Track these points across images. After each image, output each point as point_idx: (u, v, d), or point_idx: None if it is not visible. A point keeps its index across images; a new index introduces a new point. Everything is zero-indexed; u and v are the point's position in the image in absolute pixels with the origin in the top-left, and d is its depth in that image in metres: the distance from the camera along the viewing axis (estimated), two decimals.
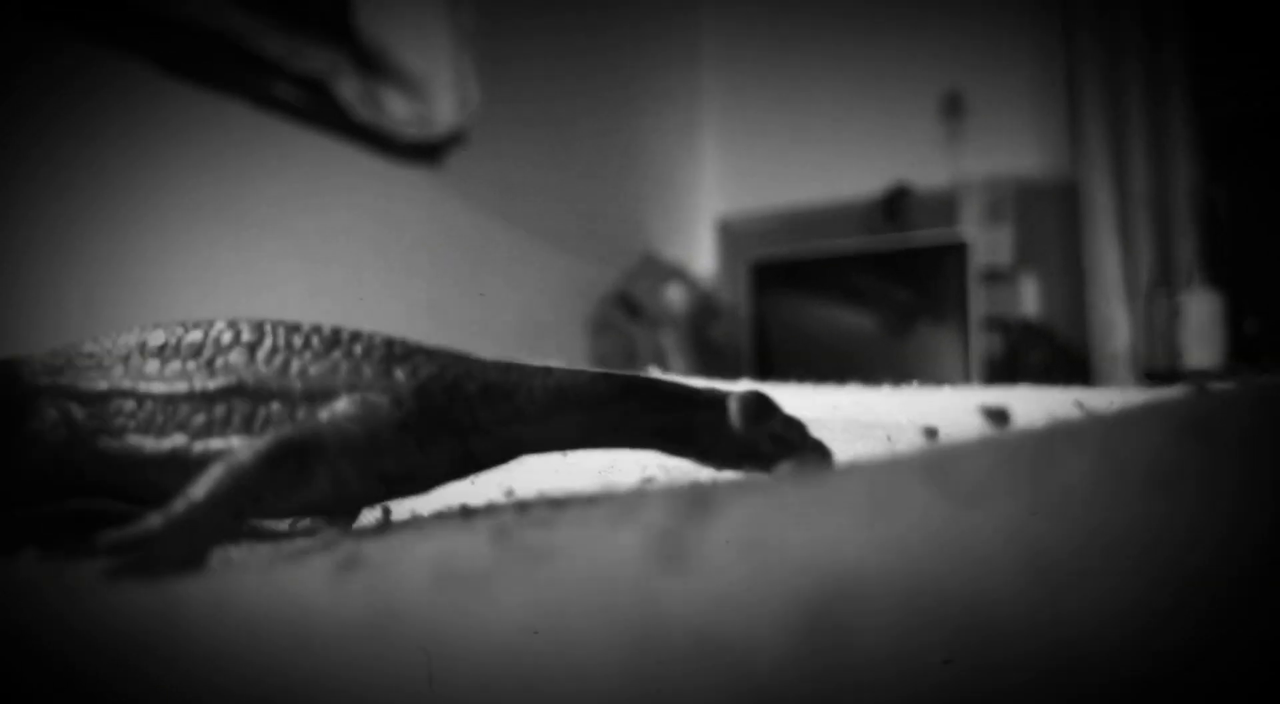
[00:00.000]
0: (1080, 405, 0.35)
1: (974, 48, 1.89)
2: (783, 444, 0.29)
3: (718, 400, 0.28)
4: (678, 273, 1.88)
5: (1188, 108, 1.75)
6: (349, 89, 1.32)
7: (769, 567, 0.13)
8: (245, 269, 1.18)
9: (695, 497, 0.16)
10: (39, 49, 1.00)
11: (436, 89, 1.44)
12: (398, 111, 1.39)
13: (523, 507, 0.23)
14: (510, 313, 1.59)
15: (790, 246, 1.93)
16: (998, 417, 0.26)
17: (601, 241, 1.84)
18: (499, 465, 0.28)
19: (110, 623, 0.15)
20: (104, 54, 1.07)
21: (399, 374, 0.26)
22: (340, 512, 0.29)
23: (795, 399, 0.61)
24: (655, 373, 0.93)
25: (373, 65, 1.37)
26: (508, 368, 0.28)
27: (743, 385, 0.30)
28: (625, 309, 1.82)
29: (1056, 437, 0.16)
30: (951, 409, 0.50)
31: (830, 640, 0.12)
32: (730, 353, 1.86)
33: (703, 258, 2.11)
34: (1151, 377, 1.58)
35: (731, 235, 2.11)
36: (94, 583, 0.18)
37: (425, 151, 1.47)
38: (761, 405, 0.28)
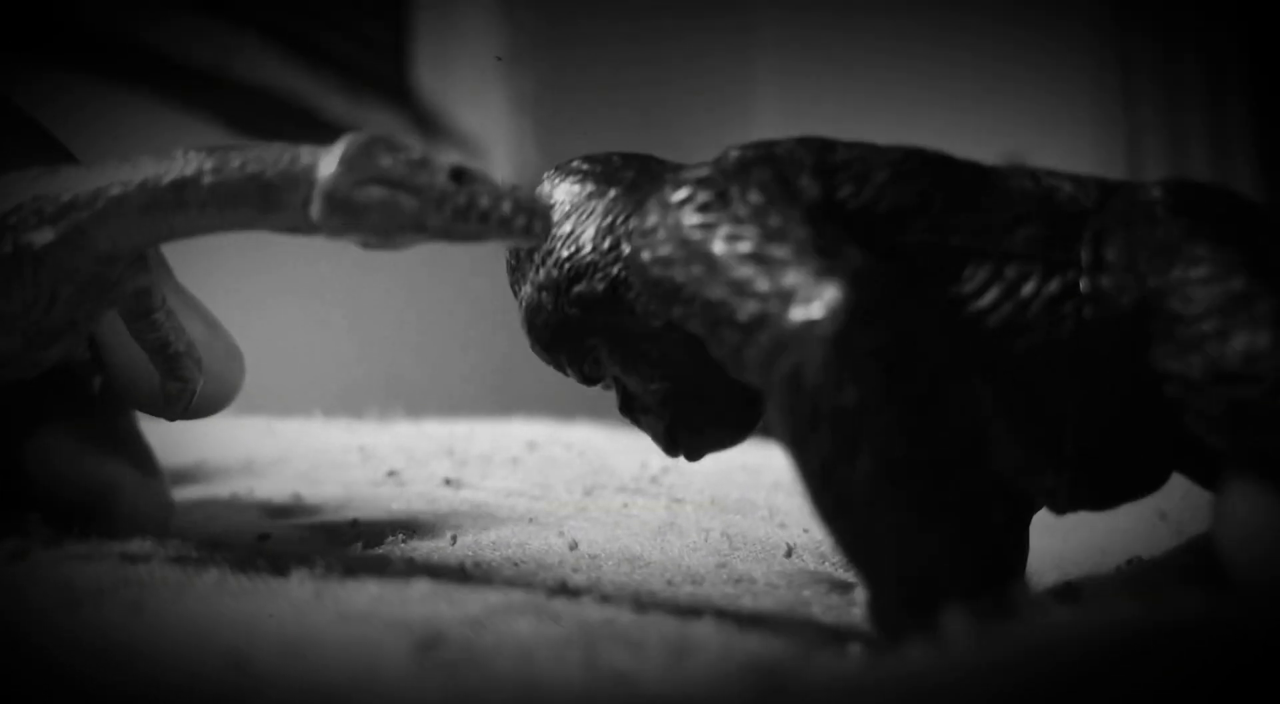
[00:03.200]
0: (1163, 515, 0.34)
1: (1033, 109, 1.88)
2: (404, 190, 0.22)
3: (304, 155, 0.23)
4: None
5: (1255, 162, 1.72)
6: None
7: None
8: (303, 327, 1.19)
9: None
10: (105, 105, 1.03)
11: (494, 152, 1.46)
12: None
13: (605, 597, 0.22)
14: (557, 377, 1.59)
15: None
16: (1067, 595, 0.24)
17: None
18: (94, 286, 0.25)
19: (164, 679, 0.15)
20: (171, 113, 1.09)
21: None
22: None
23: None
24: None
25: (431, 128, 1.39)
26: (89, 168, 0.25)
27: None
28: None
29: None
30: None
31: None
32: None
33: None
34: None
35: None
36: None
37: None
38: (371, 149, 0.22)
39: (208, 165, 0.23)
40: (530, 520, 0.33)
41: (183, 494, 0.39)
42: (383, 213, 0.22)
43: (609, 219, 0.28)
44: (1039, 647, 0.13)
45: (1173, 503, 0.35)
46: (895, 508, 0.20)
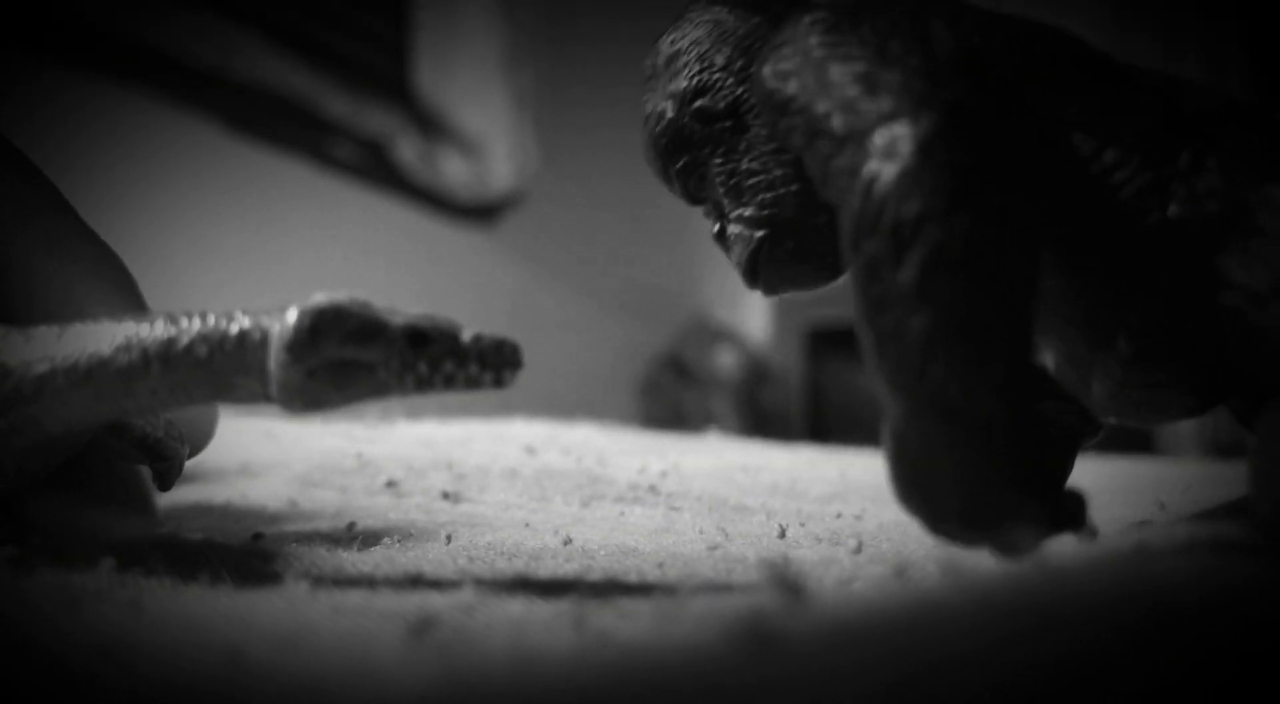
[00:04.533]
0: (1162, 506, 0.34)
1: None
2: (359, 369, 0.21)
3: (251, 338, 0.22)
4: (728, 336, 1.87)
5: None
6: (408, 150, 1.34)
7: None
8: None
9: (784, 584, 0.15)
10: (104, 104, 1.03)
11: (494, 151, 1.46)
12: (455, 173, 1.41)
13: (597, 580, 0.22)
14: (560, 373, 1.59)
15: (845, 312, 1.91)
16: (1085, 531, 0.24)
17: (652, 303, 1.84)
18: (47, 455, 0.24)
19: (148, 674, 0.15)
20: (171, 111, 1.09)
21: None
22: None
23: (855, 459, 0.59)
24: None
25: (431, 127, 1.39)
26: (28, 336, 0.24)
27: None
28: (675, 371, 1.81)
29: None
30: None
31: None
32: (781, 418, 1.84)
33: (754, 322, 2.10)
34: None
35: (784, 300, 2.10)
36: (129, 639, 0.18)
37: (482, 212, 1.48)
38: (316, 331, 0.21)
39: (154, 350, 0.22)
40: (526, 525, 0.33)
41: (179, 496, 0.39)
42: (341, 394, 0.21)
43: (748, 42, 0.28)
44: (1059, 594, 0.13)
45: (1174, 496, 0.35)
46: (929, 317, 0.20)
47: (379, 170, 1.32)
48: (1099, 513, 0.30)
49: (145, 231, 1.03)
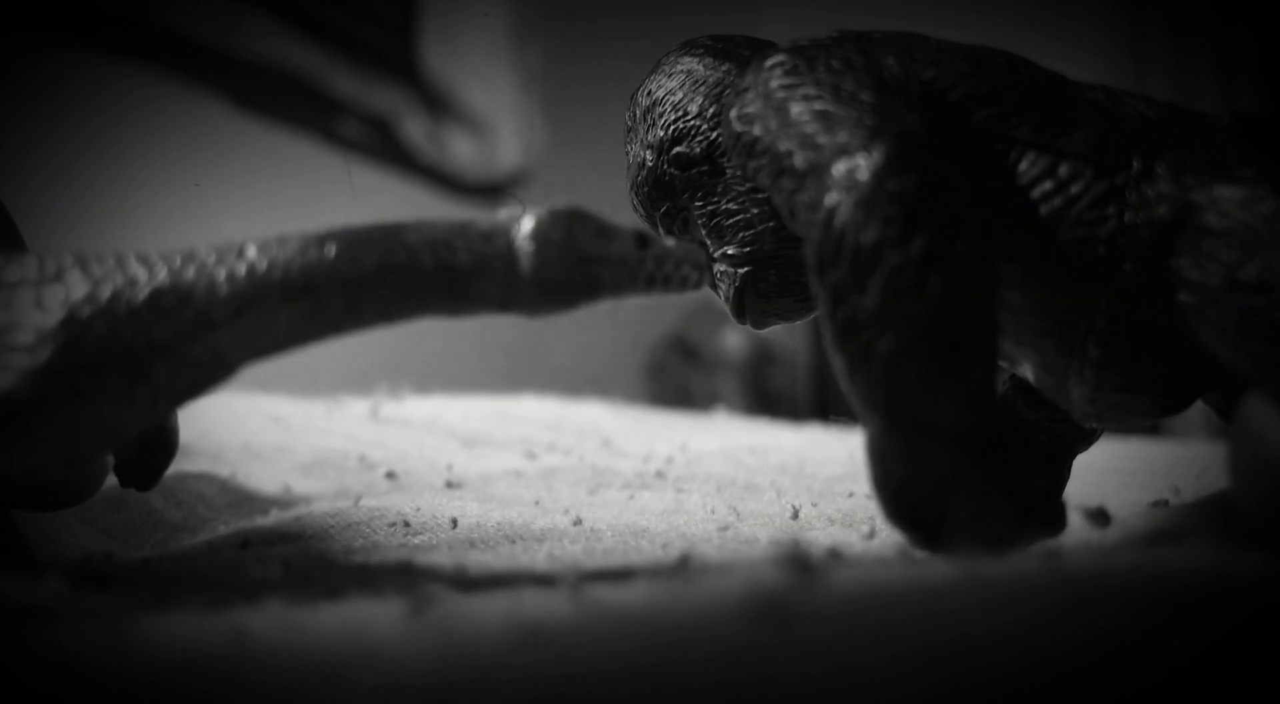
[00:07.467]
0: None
1: None
2: (607, 265, 0.22)
3: (496, 237, 0.21)
4: None
5: None
6: (414, 129, 1.34)
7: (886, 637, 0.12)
8: None
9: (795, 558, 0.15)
10: (112, 84, 1.02)
11: (501, 129, 1.46)
12: (462, 152, 1.41)
13: (598, 559, 0.22)
14: (566, 355, 1.59)
15: None
16: (1098, 517, 0.24)
17: None
18: (206, 391, 0.21)
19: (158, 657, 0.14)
20: (179, 91, 1.09)
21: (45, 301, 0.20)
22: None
23: None
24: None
25: (438, 105, 1.39)
26: (187, 259, 0.20)
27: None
28: (681, 353, 1.80)
29: None
30: None
31: None
32: (788, 400, 1.84)
33: None
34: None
35: None
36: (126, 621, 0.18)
37: (489, 191, 1.47)
38: (569, 227, 0.22)
39: (388, 259, 0.20)
40: (536, 503, 0.33)
41: (178, 470, 0.39)
42: (588, 292, 0.22)
43: (718, 89, 0.29)
44: (1071, 578, 0.13)
45: (1187, 480, 0.34)
46: (893, 338, 0.22)
47: (386, 149, 1.31)
48: (1114, 496, 0.30)
49: (152, 210, 1.02)
